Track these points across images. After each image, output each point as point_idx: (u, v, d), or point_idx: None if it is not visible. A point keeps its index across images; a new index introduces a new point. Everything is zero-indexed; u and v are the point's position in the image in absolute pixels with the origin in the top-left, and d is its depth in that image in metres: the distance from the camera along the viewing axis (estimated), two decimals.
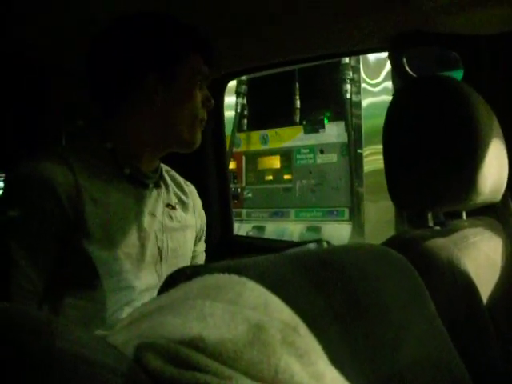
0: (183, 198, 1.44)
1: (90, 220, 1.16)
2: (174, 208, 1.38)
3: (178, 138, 1.29)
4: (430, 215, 1.16)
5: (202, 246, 1.52)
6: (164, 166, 1.44)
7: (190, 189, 1.50)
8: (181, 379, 0.42)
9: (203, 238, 1.53)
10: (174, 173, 1.49)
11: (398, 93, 1.23)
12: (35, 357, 0.36)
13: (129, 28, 1.25)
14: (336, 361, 0.50)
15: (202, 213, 1.52)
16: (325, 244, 0.77)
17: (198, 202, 1.50)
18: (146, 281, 1.23)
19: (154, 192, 1.33)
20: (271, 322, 0.46)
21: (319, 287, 0.60)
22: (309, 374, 0.45)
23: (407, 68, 1.58)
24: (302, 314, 0.50)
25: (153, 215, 1.29)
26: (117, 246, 1.19)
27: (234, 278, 0.51)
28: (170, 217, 1.35)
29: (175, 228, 1.35)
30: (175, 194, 1.42)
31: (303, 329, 0.49)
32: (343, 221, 3.21)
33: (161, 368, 0.43)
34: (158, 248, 1.28)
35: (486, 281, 1.08)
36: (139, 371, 0.43)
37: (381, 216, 3.12)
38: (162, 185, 1.37)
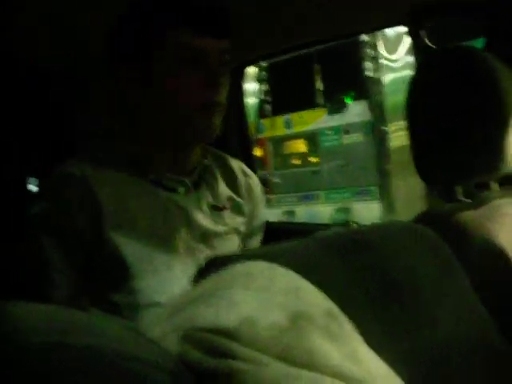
0: (235, 195, 1.27)
1: (114, 241, 1.08)
2: (221, 209, 1.23)
3: (178, 132, 1.14)
4: (459, 189, 1.14)
5: (255, 243, 1.35)
6: (219, 157, 1.30)
7: (250, 182, 1.33)
8: (217, 369, 0.43)
9: (258, 235, 1.37)
10: (231, 162, 1.32)
11: (419, 66, 1.21)
12: (72, 354, 0.36)
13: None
14: (372, 342, 0.50)
15: (260, 209, 1.35)
16: (353, 225, 0.76)
17: (258, 196, 1.34)
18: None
19: (192, 195, 1.19)
20: (304, 307, 0.47)
21: (350, 268, 0.60)
22: (345, 356, 0.45)
23: (427, 41, 1.55)
24: (334, 297, 0.50)
25: (187, 222, 1.15)
26: (142, 266, 1.10)
27: (264, 264, 0.51)
28: (215, 221, 1.21)
29: (219, 233, 1.20)
30: (225, 192, 1.26)
31: (337, 312, 0.49)
32: (373, 200, 3.18)
33: (199, 359, 0.43)
34: (193, 261, 1.14)
35: None
36: (180, 364, 0.44)
37: (411, 192, 3.09)
38: (207, 183, 1.22)
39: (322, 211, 3.39)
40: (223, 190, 1.26)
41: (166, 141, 1.16)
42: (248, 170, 1.35)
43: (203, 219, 1.18)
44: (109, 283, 1.12)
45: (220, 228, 1.21)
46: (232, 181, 1.29)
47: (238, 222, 1.27)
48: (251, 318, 0.45)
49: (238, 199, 1.28)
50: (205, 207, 1.20)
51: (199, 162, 1.22)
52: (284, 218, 3.53)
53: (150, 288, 1.11)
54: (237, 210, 1.27)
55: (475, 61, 1.10)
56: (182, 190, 1.18)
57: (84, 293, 1.13)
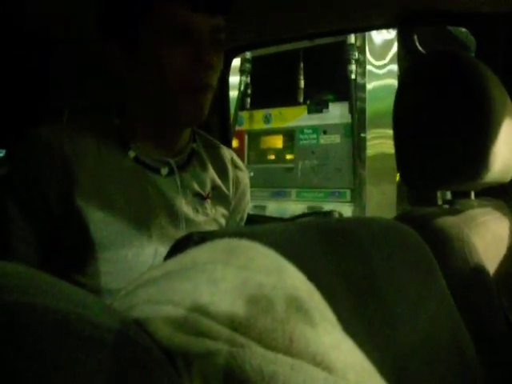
0: (222, 186, 1.22)
1: (84, 217, 1.02)
2: (205, 198, 1.17)
3: (163, 112, 1.08)
4: (439, 194, 1.14)
5: None
6: (211, 144, 1.25)
7: (239, 174, 1.28)
8: (190, 347, 0.40)
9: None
10: (223, 151, 1.26)
11: (408, 69, 1.20)
12: (18, 315, 0.33)
13: None
14: (350, 332, 0.48)
15: (245, 203, 1.32)
16: (336, 215, 0.75)
17: (245, 190, 1.29)
18: None
19: (175, 178, 1.13)
20: (285, 289, 0.44)
21: (333, 257, 0.58)
22: (324, 344, 0.42)
23: (418, 45, 1.55)
24: (315, 282, 0.48)
25: (165, 207, 1.10)
26: (110, 248, 1.05)
27: (246, 242, 0.49)
28: (196, 209, 1.15)
29: (198, 222, 1.14)
30: (211, 181, 1.20)
31: (317, 297, 0.46)
32: (345, 202, 3.18)
33: (169, 335, 0.41)
34: (165, 247, 1.03)
35: (494, 261, 1.06)
36: (145, 337, 0.41)
37: (382, 199, 3.10)
38: (193, 169, 1.17)
39: (293, 209, 3.38)
40: (210, 178, 1.20)
41: (151, 118, 1.10)
42: (239, 162, 1.30)
43: (183, 206, 1.13)
44: (73, 263, 1.06)
45: (200, 217, 1.15)
46: (221, 170, 1.24)
47: (220, 213, 1.21)
48: (230, 295, 0.42)
49: (225, 190, 1.23)
50: (188, 193, 1.14)
51: (187, 145, 1.18)
52: (254, 212, 3.51)
53: (115, 272, 1.06)
54: (221, 201, 1.22)
55: (465, 67, 1.09)
56: (164, 170, 1.12)
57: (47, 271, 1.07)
